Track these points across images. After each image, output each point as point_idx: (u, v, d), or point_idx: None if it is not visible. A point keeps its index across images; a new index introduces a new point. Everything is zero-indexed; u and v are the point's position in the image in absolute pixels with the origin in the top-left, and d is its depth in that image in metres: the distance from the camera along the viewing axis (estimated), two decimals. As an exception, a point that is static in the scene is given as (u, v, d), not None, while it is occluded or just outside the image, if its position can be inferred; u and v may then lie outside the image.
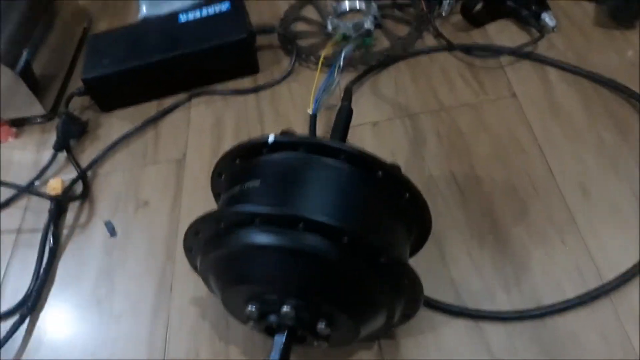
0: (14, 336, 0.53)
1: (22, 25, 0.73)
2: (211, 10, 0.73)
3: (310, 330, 0.38)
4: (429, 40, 0.73)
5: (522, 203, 0.54)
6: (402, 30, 0.75)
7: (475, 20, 0.72)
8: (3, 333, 0.53)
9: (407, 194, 0.40)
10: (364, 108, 0.66)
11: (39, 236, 0.61)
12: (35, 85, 0.71)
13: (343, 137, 0.50)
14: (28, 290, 0.57)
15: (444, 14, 0.74)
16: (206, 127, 0.69)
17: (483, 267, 0.51)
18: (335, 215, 0.36)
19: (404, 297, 0.39)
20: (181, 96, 0.73)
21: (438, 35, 0.72)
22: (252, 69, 0.74)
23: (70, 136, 0.70)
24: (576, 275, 0.49)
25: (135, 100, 0.73)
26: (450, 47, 0.70)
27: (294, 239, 0.35)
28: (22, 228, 0.64)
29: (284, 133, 0.40)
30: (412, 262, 0.49)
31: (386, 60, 0.71)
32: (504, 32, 0.71)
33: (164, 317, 0.53)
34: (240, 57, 0.72)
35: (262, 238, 0.35)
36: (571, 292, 0.48)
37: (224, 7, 0.73)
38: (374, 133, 0.64)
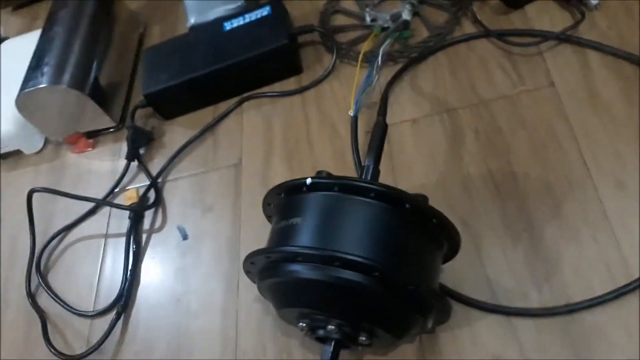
0: (112, 332, 0.63)
1: (87, 45, 0.80)
2: (253, 16, 0.77)
3: (354, 342, 0.44)
4: (467, 26, 0.73)
5: (556, 200, 0.57)
6: (441, 16, 0.76)
7: (514, 2, 0.72)
8: (101, 328, 0.63)
9: (435, 220, 0.44)
10: (404, 105, 0.69)
11: (123, 240, 0.70)
12: (102, 99, 0.79)
13: (378, 157, 0.54)
14: (120, 290, 0.66)
15: (482, -3, 0.74)
16: (257, 131, 0.75)
17: (516, 265, 0.55)
18: (367, 251, 0.41)
19: (434, 312, 0.44)
20: (233, 101, 0.78)
21: (476, 21, 0.72)
22: (296, 70, 0.77)
23: (139, 146, 0.78)
24: (605, 272, 0.52)
25: (193, 108, 0.80)
26: (487, 33, 0.70)
27: (331, 275, 0.40)
28: (108, 234, 0.73)
29: (319, 173, 0.45)
30: (451, 262, 0.54)
31: (424, 53, 0.72)
32: (544, 13, 0.70)
33: (233, 314, 0.61)
34: (282, 60, 0.76)
35: (304, 273, 0.41)
36: (600, 289, 0.51)
37: (265, 11, 0.77)
38: (413, 131, 0.67)
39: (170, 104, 0.79)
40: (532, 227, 0.56)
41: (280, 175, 0.69)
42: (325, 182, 0.43)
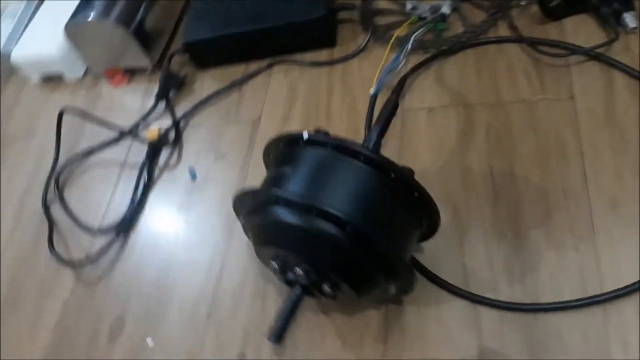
0: (109, 250, 0.68)
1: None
2: (299, -16, 0.80)
3: (318, 289, 0.47)
4: (503, 29, 0.74)
5: (548, 207, 0.58)
6: (479, 16, 0.77)
7: (552, 14, 0.72)
8: (101, 245, 0.68)
9: (416, 193, 0.46)
10: (425, 92, 0.71)
11: (137, 171, 0.75)
12: (145, 40, 0.83)
13: (383, 130, 0.56)
14: (124, 214, 0.71)
15: (523, 3, 0.75)
16: (281, 94, 0.78)
17: (495, 260, 0.56)
18: (344, 206, 0.43)
19: (399, 279, 0.46)
20: (264, 62, 0.81)
21: (512, 25, 0.73)
22: (330, 42, 0.80)
23: (170, 88, 0.82)
24: (578, 282, 0.53)
25: (226, 62, 0.83)
26: (519, 39, 0.71)
27: (307, 221, 0.43)
28: (125, 162, 0.78)
29: (317, 131, 0.48)
30: (432, 242, 0.56)
31: (455, 47, 0.74)
32: (580, 29, 0.71)
33: (222, 254, 0.64)
34: (318, 31, 0.78)
35: (284, 216, 0.44)
36: (569, 295, 0.52)
37: (311, -19, 0.79)
38: (428, 119, 0.69)
39: (207, 54, 0.83)
40: (518, 228, 0.57)
41: (293, 138, 0.72)
42: (320, 139, 0.46)
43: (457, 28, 0.77)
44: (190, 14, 0.84)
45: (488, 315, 0.53)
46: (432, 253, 0.58)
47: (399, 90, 0.62)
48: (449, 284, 0.55)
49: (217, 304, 0.61)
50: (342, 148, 0.45)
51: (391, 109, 0.58)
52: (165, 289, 0.63)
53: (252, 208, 0.48)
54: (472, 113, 0.67)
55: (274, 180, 0.48)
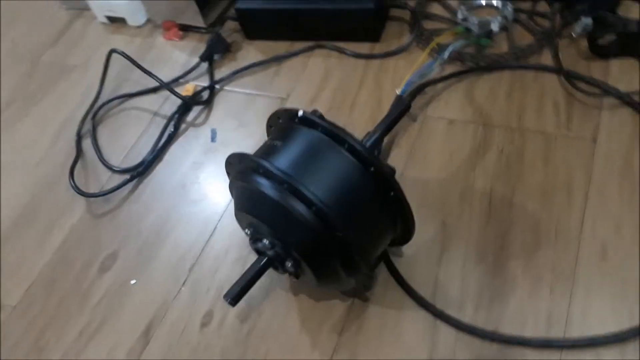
0: (122, 189, 0.72)
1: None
2: (357, -26, 0.80)
3: (282, 264, 0.49)
4: (546, 57, 0.73)
5: (537, 240, 0.57)
6: (526, 39, 0.75)
7: (600, 51, 0.70)
8: (115, 182, 0.73)
9: (392, 193, 0.47)
10: (450, 103, 0.71)
11: (165, 122, 0.79)
12: (204, 1, 0.87)
13: (388, 127, 0.57)
14: (143, 159, 0.75)
15: (574, 35, 0.73)
16: (315, 77, 0.79)
17: (468, 280, 0.56)
18: (316, 188, 0.45)
19: (358, 273, 0.48)
20: (308, 44, 0.83)
21: (555, 55, 0.71)
22: (374, 37, 0.81)
23: (215, 52, 0.86)
24: (544, 321, 0.52)
25: (273, 37, 0.86)
26: (558, 70, 0.70)
27: (280, 195, 0.45)
28: (158, 112, 0.82)
29: (314, 111, 0.49)
30: (413, 248, 0.57)
31: (492, 65, 0.73)
32: (625, 73, 0.68)
33: (219, 215, 0.67)
34: (364, 23, 0.79)
35: (260, 186, 0.46)
36: (530, 332, 0.52)
37: (369, -26, 0.80)
38: (446, 130, 0.69)
39: (255, 25, 0.85)
40: (501, 254, 0.57)
41: (312, 121, 0.74)
42: (312, 120, 0.48)
43: (501, 47, 0.76)
44: (250, -17, 0.87)
45: (446, 332, 0.53)
46: (410, 259, 0.59)
47: (414, 95, 0.62)
48: (416, 292, 0.56)
49: (201, 260, 0.64)
50: (330, 133, 0.47)
51: (401, 110, 0.59)
52: (161, 236, 0.67)
53: (237, 171, 0.50)
54: (490, 133, 0.67)
55: (264, 150, 0.50)
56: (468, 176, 0.64)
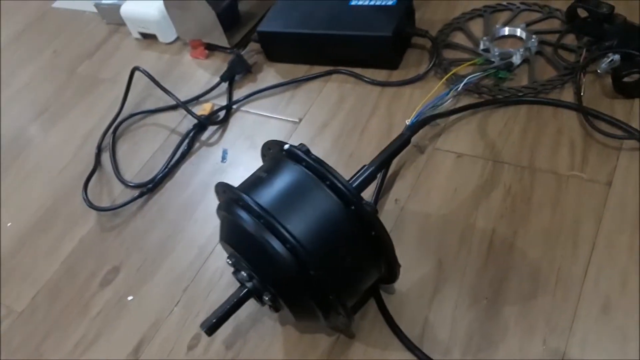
0: (132, 203, 0.74)
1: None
2: (380, 1, 0.80)
3: (259, 298, 0.49)
4: (568, 93, 0.70)
5: (535, 288, 0.54)
6: (548, 73, 0.72)
7: (625, 90, 0.66)
8: (126, 197, 0.75)
9: (373, 232, 0.46)
10: (461, 137, 0.69)
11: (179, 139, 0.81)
12: (228, 22, 0.88)
13: (385, 162, 0.56)
14: (154, 176, 0.77)
15: (599, 72, 0.69)
16: (329, 103, 0.79)
17: (458, 324, 0.54)
18: (292, 224, 0.44)
19: (334, 311, 0.47)
20: (327, 68, 0.83)
21: (578, 91, 0.68)
22: (392, 64, 0.80)
23: (236, 72, 0.87)
24: (532, 376, 0.49)
25: (294, 60, 0.86)
26: (577, 107, 0.66)
27: (256, 230, 0.45)
28: (175, 129, 0.84)
29: (301, 145, 0.49)
30: (405, 285, 0.56)
31: (510, 99, 0.70)
32: (651, 113, 0.64)
33: (218, 237, 0.68)
34: (382, 51, 0.78)
35: (239, 219, 0.46)
36: (517, 387, 0.49)
37: (391, 1, 0.79)
38: (453, 163, 0.67)
39: (276, 48, 0.86)
40: (495, 299, 0.55)
41: (321, 146, 0.74)
42: (297, 154, 0.47)
43: (521, 80, 0.73)
44: (275, 7, 0.88)
45: (428, 377, 0.51)
46: (402, 296, 0.57)
47: (416, 129, 0.60)
48: (403, 334, 0.54)
49: (196, 282, 0.64)
50: (313, 169, 0.46)
51: (399, 144, 0.57)
52: (162, 254, 0.68)
53: (223, 201, 0.50)
54: (499, 171, 0.65)
55: (249, 181, 0.50)
56: (470, 214, 0.61)
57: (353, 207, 0.45)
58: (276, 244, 0.44)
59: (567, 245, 0.56)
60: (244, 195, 0.46)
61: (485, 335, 0.53)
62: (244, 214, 0.46)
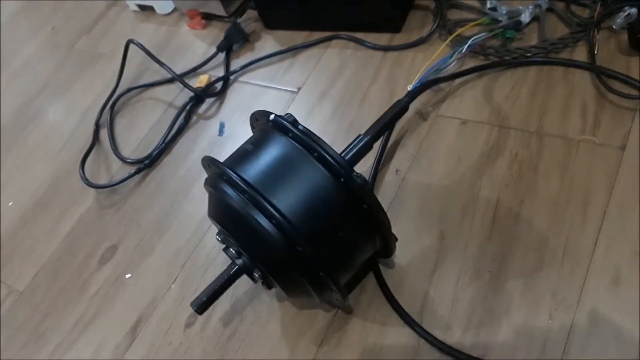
0: (130, 180, 0.73)
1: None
2: (381, -38, 0.75)
3: (249, 274, 0.47)
4: (580, 52, 0.65)
5: (541, 261, 0.52)
6: (560, 31, 0.68)
7: (642, 47, 0.62)
8: (124, 173, 0.73)
9: (365, 205, 0.43)
10: (465, 102, 0.66)
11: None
12: (225, -10, 0.85)
13: (381, 130, 0.53)
14: (151, 151, 0.75)
15: (614, 27, 0.65)
16: (328, 70, 0.76)
17: (460, 299, 0.52)
18: (278, 199, 0.42)
19: (326, 287, 0.45)
20: (326, 34, 0.80)
21: (591, 49, 0.64)
22: (394, 27, 0.76)
23: (234, 42, 0.84)
24: (538, 349, 0.47)
25: (292, 27, 0.83)
26: (590, 66, 0.62)
27: (240, 205, 0.43)
28: (173, 103, 0.82)
29: (288, 115, 0.46)
30: (406, 260, 0.54)
31: (518, 60, 0.66)
32: (670, 71, 0.60)
33: (215, 213, 0.66)
34: (384, 13, 0.74)
35: (226, 195, 0.44)
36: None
37: (393, -40, 0.75)
38: (457, 130, 0.64)
39: (274, 14, 0.83)
40: (499, 273, 0.52)
41: (320, 116, 0.71)
42: (283, 125, 0.45)
43: (531, 40, 0.69)
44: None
45: (429, 353, 0.50)
46: (401, 272, 0.55)
47: (415, 94, 0.57)
48: (403, 309, 0.52)
49: (194, 258, 0.63)
50: (300, 140, 0.44)
51: (396, 112, 0.54)
52: (160, 230, 0.67)
53: (210, 176, 0.48)
54: (505, 137, 0.61)
55: (235, 154, 0.48)
56: (474, 184, 0.59)
57: (342, 180, 0.43)
58: (262, 220, 0.42)
59: (576, 215, 0.53)
60: (228, 170, 0.44)
61: (488, 310, 0.50)
62: (228, 189, 0.44)
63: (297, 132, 0.44)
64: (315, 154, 0.43)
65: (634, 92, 0.59)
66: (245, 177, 0.43)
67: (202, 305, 0.47)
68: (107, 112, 0.83)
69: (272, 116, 0.46)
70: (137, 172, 0.73)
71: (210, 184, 0.47)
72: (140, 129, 0.80)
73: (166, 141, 0.76)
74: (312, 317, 0.55)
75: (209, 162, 0.47)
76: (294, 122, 0.45)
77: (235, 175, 0.43)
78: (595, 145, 0.57)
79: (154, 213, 0.69)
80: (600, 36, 0.65)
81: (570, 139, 0.58)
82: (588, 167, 0.56)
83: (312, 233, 0.43)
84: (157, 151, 0.75)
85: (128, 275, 0.64)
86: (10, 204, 0.78)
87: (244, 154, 0.47)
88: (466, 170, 0.60)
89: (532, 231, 0.54)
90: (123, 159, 0.76)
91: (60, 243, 0.70)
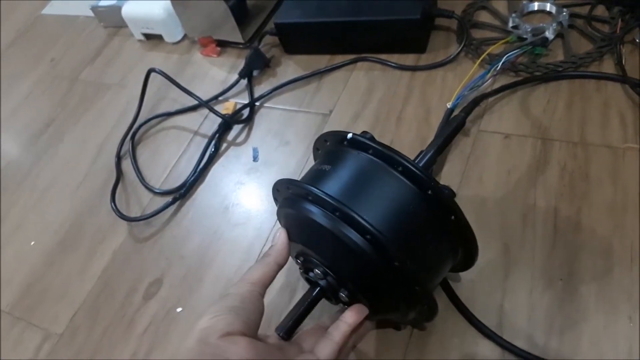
0: (165, 211, 0.71)
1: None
2: (401, -15, 0.77)
3: (335, 295, 0.46)
4: (608, 65, 0.68)
5: (609, 265, 0.53)
6: (584, 46, 0.71)
7: (668, 58, 0.65)
8: (157, 205, 0.71)
9: (453, 217, 0.43)
10: (505, 117, 0.67)
11: (206, 141, 0.77)
12: (240, 16, 0.85)
13: (442, 146, 0.54)
14: (184, 181, 0.73)
15: (637, 41, 0.68)
16: (358, 92, 0.77)
17: (536, 308, 0.52)
18: (369, 214, 0.41)
19: (418, 304, 0.44)
20: (350, 57, 0.80)
21: (619, 62, 0.67)
22: (420, 48, 0.78)
23: (254, 68, 0.84)
24: (624, 353, 0.48)
25: (314, 51, 0.83)
26: (623, 79, 0.65)
27: (331, 223, 0.42)
28: (198, 131, 0.80)
29: (364, 133, 0.46)
30: (474, 274, 0.53)
31: (549, 75, 0.69)
32: (696, 79, 0.64)
33: (263, 239, 0.65)
34: (410, 34, 0.76)
35: (309, 213, 0.43)
36: (610, 368, 0.47)
37: (414, -16, 0.77)
38: (502, 145, 0.65)
39: (295, 39, 0.83)
40: (570, 280, 0.53)
41: (358, 138, 0.71)
42: (363, 142, 0.45)
43: (556, 55, 0.71)
44: (290, -4, 0.85)
45: (514, 365, 0.50)
46: (471, 286, 0.55)
47: (469, 109, 0.58)
48: (481, 323, 0.52)
49: (248, 286, 0.61)
50: (382, 155, 0.44)
51: (455, 126, 0.55)
52: (205, 260, 0.65)
53: (285, 198, 0.47)
54: (550, 148, 0.63)
55: (312, 175, 0.47)
56: (529, 195, 0.60)
57: (430, 192, 0.43)
58: (355, 237, 0.41)
59: (635, 219, 0.55)
60: (313, 188, 0.43)
61: (567, 316, 0.51)
62: (315, 208, 0.43)
63: (380, 147, 0.44)
64: (400, 168, 0.43)
65: (666, 100, 0.62)
66: (333, 194, 0.43)
67: (289, 330, 0.46)
68: (127, 143, 0.81)
69: (349, 135, 0.46)
70: (173, 202, 0.71)
71: (290, 205, 0.46)
72: (166, 159, 0.78)
73: (199, 169, 0.74)
74: (387, 336, 0.54)
75: (287, 185, 0.46)
76: (372, 139, 0.45)
77: (322, 193, 0.43)
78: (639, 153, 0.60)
79: (196, 243, 0.67)
80: (625, 49, 0.68)
81: (615, 148, 0.61)
82: (637, 173, 0.58)
83: (407, 247, 0.42)
84: (191, 180, 0.73)
85: (179, 309, 0.62)
86: (32, 243, 0.74)
87: (322, 174, 0.46)
88: (518, 182, 0.61)
89: (595, 237, 0.55)
90: (153, 190, 0.74)
91: (97, 281, 0.67)
